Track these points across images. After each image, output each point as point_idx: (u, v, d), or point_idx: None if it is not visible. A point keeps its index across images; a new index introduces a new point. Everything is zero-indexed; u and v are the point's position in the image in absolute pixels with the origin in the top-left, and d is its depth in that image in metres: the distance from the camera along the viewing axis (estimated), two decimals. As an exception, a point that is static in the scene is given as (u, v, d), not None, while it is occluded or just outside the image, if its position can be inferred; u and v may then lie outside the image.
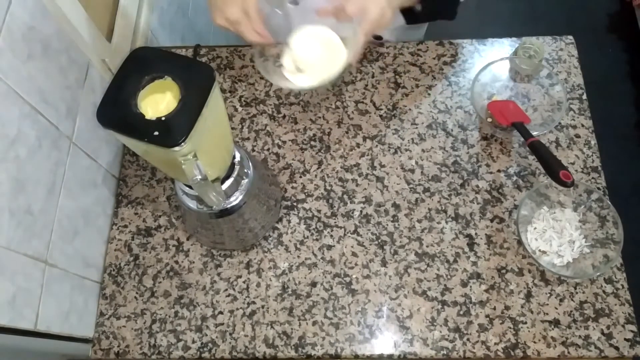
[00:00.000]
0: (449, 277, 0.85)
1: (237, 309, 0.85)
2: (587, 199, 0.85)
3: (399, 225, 0.88)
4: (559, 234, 0.84)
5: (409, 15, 0.93)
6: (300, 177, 0.93)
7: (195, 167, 0.60)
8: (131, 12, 1.03)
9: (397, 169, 0.93)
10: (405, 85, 0.99)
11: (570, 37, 1.02)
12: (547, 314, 0.82)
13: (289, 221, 0.90)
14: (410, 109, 0.97)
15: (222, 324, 0.84)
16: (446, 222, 0.88)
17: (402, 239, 0.87)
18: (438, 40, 1.03)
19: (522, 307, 0.82)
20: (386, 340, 0.81)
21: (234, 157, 0.75)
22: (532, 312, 0.82)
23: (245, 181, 0.78)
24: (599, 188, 0.89)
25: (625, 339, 0.80)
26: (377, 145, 0.95)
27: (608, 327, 0.80)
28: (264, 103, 0.99)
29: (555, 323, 0.81)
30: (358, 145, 0.95)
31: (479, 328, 0.81)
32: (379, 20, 0.73)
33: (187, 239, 0.90)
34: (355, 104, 0.98)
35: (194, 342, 0.83)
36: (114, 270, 0.89)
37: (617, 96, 1.95)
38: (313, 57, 0.79)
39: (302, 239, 0.88)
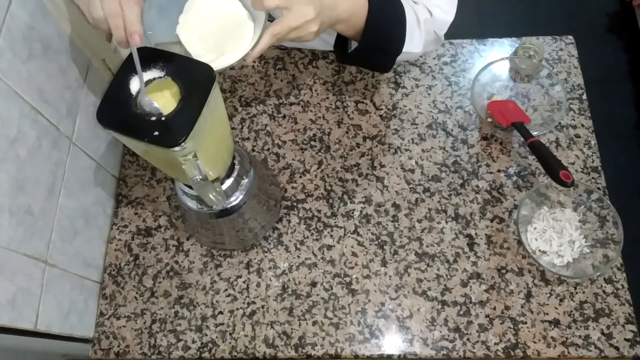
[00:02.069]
0: (449, 277, 0.85)
1: (237, 309, 0.85)
2: (587, 199, 0.85)
3: (399, 225, 0.88)
4: (559, 234, 0.84)
5: (341, 52, 0.83)
6: (300, 177, 0.93)
7: (195, 167, 0.60)
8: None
9: (397, 169, 0.93)
10: (405, 85, 0.99)
11: (570, 37, 1.02)
12: (547, 314, 0.82)
13: (289, 221, 0.90)
14: (410, 109, 0.97)
15: (222, 324, 0.84)
16: (446, 222, 0.88)
17: (402, 239, 0.87)
18: (438, 40, 1.03)
19: (522, 307, 0.82)
20: (386, 340, 0.81)
21: (234, 157, 0.75)
22: (532, 312, 0.82)
23: (245, 181, 0.78)
24: (599, 188, 0.89)
25: (625, 339, 0.80)
26: (377, 145, 0.94)
27: (608, 327, 0.80)
28: (264, 103, 0.99)
29: (555, 323, 0.81)
30: (358, 145, 0.95)
31: (479, 328, 0.81)
32: (298, 30, 0.64)
33: (187, 239, 0.90)
34: (355, 104, 0.98)
35: (194, 342, 0.83)
36: (114, 270, 0.89)
37: (617, 96, 1.95)
38: (213, 31, 0.70)
39: (302, 239, 0.88)
